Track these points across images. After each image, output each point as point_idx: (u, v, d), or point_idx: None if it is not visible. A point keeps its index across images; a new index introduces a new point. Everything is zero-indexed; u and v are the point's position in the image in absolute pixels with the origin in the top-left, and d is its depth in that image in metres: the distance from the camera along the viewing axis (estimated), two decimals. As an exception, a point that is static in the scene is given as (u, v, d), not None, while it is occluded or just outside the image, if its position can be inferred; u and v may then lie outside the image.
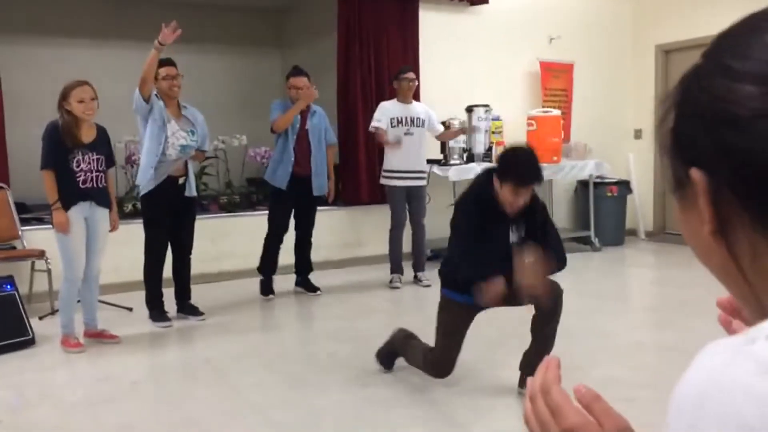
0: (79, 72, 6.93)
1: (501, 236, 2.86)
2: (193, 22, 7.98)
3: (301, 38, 8.44)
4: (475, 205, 2.86)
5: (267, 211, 5.27)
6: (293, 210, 5.21)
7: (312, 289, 5.30)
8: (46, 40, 7.32)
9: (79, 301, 4.08)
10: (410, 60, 6.50)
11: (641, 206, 7.96)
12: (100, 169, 3.96)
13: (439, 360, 3.01)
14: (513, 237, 2.88)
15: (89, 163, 3.90)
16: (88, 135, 3.94)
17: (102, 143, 4.01)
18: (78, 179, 3.86)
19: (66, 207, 3.84)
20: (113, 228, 4.12)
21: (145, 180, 4.38)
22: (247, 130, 6.88)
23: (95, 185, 3.93)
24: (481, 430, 2.78)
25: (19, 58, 6.87)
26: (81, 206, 3.89)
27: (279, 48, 8.76)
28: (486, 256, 2.76)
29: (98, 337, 4.08)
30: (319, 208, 5.41)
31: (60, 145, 3.84)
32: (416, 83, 5.64)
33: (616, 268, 6.50)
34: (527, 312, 2.95)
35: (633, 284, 6.06)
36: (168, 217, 4.46)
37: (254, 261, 5.23)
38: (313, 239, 5.39)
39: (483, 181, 2.90)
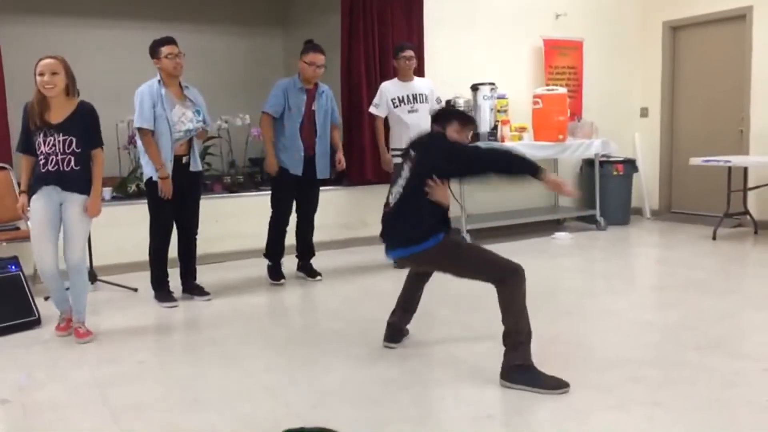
0: (81, 50, 6.86)
1: None
2: (194, 0, 7.90)
3: (304, 16, 8.34)
4: None
5: (270, 191, 5.15)
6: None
7: (313, 274, 5.18)
8: (49, 18, 7.24)
9: (68, 289, 3.86)
10: (415, 37, 6.42)
11: (647, 185, 7.92)
12: (68, 151, 3.64)
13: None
14: None
15: (53, 145, 3.62)
16: (57, 114, 3.65)
17: (76, 123, 3.67)
18: (40, 162, 3.67)
19: (33, 192, 3.71)
20: (89, 213, 3.71)
21: (152, 170, 4.35)
22: (250, 109, 6.80)
23: (60, 168, 3.64)
24: (489, 409, 2.77)
25: (22, 35, 6.79)
26: (45, 191, 3.66)
27: (282, 26, 8.66)
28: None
29: (73, 330, 3.78)
30: (321, 188, 5.34)
31: (26, 126, 3.72)
32: (414, 60, 5.55)
33: (621, 248, 6.48)
34: None
35: (638, 263, 6.04)
36: (173, 198, 4.43)
37: (258, 241, 5.18)
38: (315, 221, 5.33)
39: (444, 136, 3.24)
